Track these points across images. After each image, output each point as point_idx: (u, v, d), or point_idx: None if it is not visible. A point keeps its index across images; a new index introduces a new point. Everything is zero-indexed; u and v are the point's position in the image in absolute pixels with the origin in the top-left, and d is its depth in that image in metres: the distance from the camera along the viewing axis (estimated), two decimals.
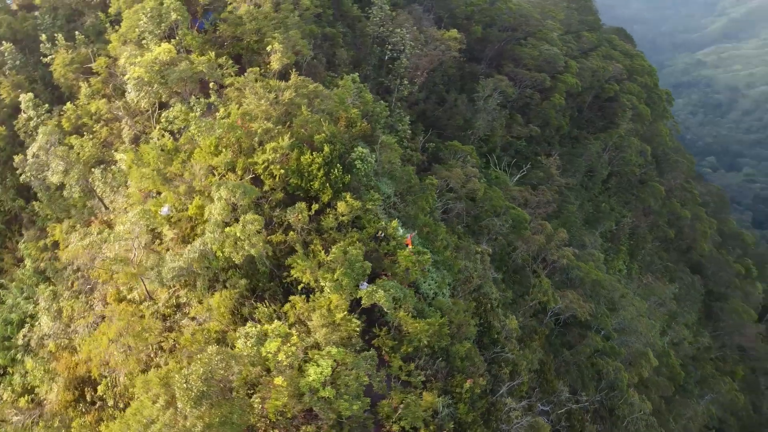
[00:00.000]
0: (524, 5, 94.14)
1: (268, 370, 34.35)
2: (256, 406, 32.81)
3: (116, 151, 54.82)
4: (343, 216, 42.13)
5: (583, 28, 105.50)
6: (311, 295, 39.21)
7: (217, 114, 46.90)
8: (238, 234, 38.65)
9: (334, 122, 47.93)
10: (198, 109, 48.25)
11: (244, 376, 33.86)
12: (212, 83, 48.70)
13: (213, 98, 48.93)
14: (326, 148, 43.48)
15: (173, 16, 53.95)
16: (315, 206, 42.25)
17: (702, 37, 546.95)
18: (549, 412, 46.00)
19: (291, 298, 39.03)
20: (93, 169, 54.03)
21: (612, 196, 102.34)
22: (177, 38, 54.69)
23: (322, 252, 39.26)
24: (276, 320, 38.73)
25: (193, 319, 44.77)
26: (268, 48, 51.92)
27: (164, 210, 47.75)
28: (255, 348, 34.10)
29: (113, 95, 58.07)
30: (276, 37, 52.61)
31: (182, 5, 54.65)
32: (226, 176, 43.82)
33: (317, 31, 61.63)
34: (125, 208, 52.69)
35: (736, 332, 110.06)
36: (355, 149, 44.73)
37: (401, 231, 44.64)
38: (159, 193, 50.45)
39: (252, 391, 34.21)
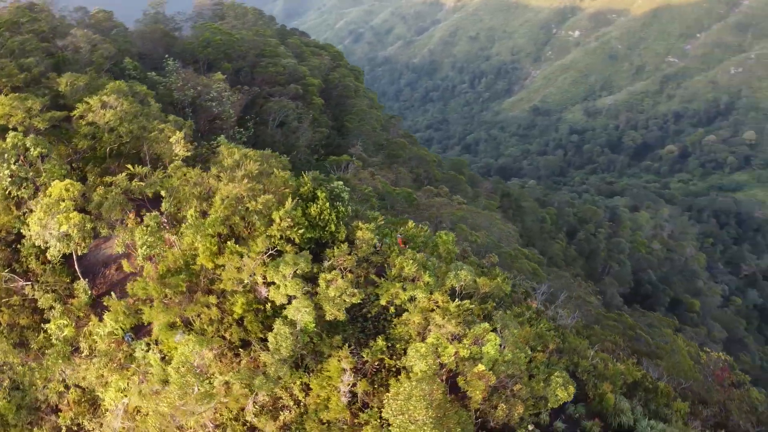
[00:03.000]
0: (242, 32, 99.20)
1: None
2: (476, 398, 37.15)
3: (49, 320, 46.45)
4: (372, 241, 46.08)
5: (278, 36, 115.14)
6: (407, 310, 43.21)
7: (185, 218, 44.50)
8: (332, 294, 40.17)
9: None
10: (156, 223, 44.72)
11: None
12: (163, 191, 45.38)
13: (165, 205, 45.69)
14: (320, 194, 46.18)
15: (35, 151, 46.91)
16: (345, 247, 45.09)
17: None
18: None
19: (401, 319, 42.47)
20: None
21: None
22: (44, 173, 47.74)
23: (405, 268, 43.24)
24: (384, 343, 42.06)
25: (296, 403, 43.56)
26: (172, 139, 49.63)
27: (178, 337, 44.21)
28: (436, 362, 37.87)
29: None
30: (166, 127, 50.49)
31: (37, 137, 47.66)
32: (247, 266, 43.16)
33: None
34: (100, 369, 45.59)
35: None
36: (336, 185, 48.15)
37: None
38: (134, 332, 46.09)
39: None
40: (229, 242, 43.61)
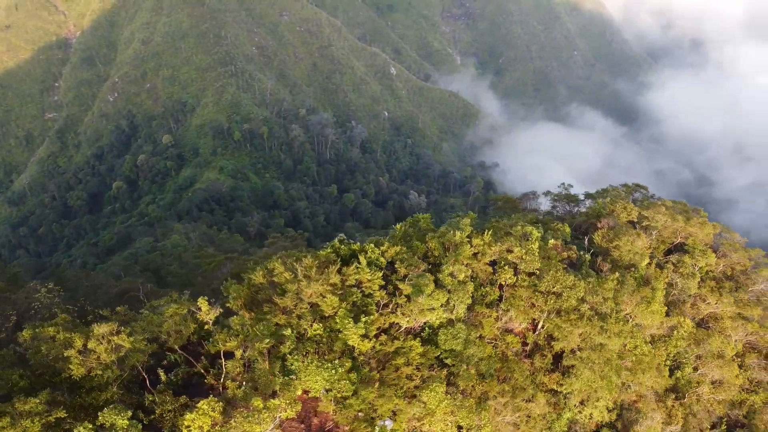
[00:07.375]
0: None
1: None
2: (562, 256, 54.67)
3: None
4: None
5: None
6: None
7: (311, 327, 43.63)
8: (461, 277, 49.38)
9: None
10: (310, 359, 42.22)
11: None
12: (288, 330, 41.79)
13: (289, 344, 42.52)
14: (355, 246, 51.36)
15: (122, 421, 35.51)
16: (415, 259, 52.36)
17: None
18: None
19: (473, 267, 54.27)
20: None
21: None
22: None
23: (456, 238, 54.16)
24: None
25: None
26: (204, 309, 43.55)
27: (389, 423, 45.54)
28: (534, 259, 53.19)
29: None
30: (173, 309, 43.88)
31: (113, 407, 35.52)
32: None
33: None
34: None
35: None
36: (340, 235, 53.14)
37: None
38: None
39: None
40: (362, 317, 45.87)
